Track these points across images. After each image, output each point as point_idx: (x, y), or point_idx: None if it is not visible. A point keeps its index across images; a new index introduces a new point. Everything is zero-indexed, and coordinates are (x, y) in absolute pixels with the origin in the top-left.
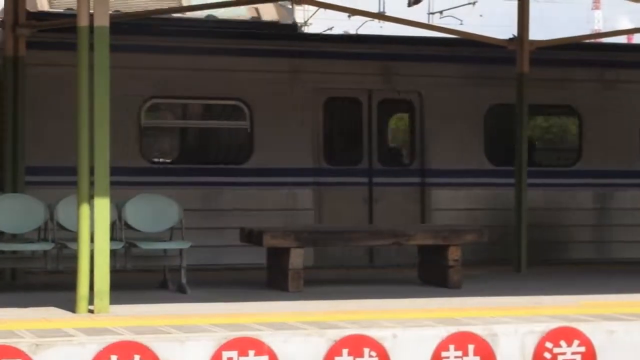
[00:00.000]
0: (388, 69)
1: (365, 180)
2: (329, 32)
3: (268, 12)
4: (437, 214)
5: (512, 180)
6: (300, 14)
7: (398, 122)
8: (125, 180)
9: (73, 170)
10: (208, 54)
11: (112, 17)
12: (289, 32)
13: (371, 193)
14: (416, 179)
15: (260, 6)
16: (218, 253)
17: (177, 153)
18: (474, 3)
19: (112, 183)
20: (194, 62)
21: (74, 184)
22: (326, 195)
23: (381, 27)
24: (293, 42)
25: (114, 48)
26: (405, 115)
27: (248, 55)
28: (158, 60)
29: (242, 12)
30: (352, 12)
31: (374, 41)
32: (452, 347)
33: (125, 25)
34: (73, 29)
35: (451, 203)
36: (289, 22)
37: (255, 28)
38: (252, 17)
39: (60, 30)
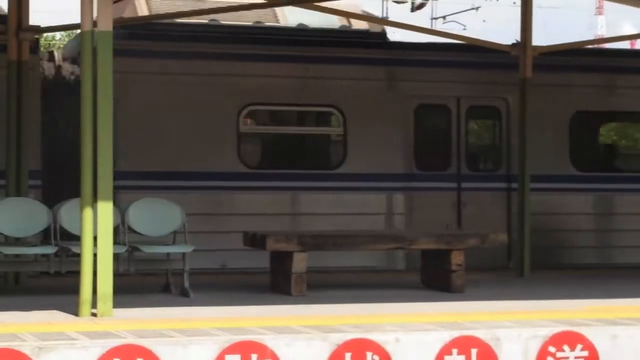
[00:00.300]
0: (475, 76)
1: (454, 185)
2: None
3: (357, 21)
4: None
5: (597, 186)
6: None
7: (485, 129)
8: (225, 185)
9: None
10: (303, 62)
11: (207, 26)
12: (381, 40)
13: (459, 198)
14: (503, 184)
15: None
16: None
17: (274, 158)
18: (477, 8)
19: (212, 188)
20: (288, 70)
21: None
22: (416, 200)
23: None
24: (385, 51)
25: (214, 56)
26: (493, 122)
27: (342, 63)
28: (255, 68)
29: (333, 21)
30: (356, 17)
31: (463, 49)
32: (455, 351)
33: (224, 34)
34: None
35: (537, 208)
36: (378, 30)
37: (348, 37)
38: (342, 26)
39: None
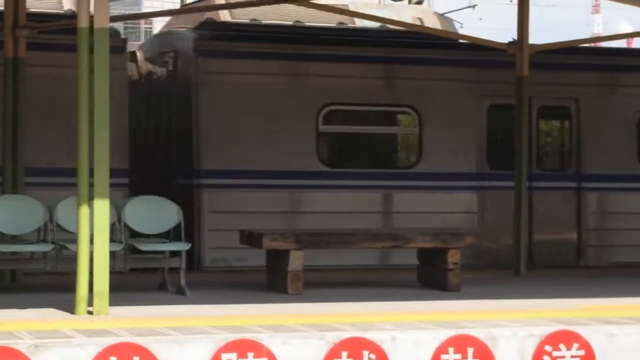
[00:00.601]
0: (547, 77)
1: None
2: None
3: (431, 22)
4: (593, 217)
5: None
6: None
7: (556, 128)
8: (304, 183)
9: None
10: (379, 62)
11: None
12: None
13: (531, 197)
14: (572, 184)
15: (423, 16)
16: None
17: (352, 157)
18: (473, 6)
19: (291, 186)
20: (366, 70)
21: None
22: (488, 198)
23: None
24: (459, 52)
25: (295, 57)
26: (563, 122)
27: (418, 64)
28: (334, 68)
29: (405, 21)
30: (352, 14)
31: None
32: (451, 350)
33: (305, 36)
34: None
35: (606, 207)
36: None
37: (424, 38)
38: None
39: None
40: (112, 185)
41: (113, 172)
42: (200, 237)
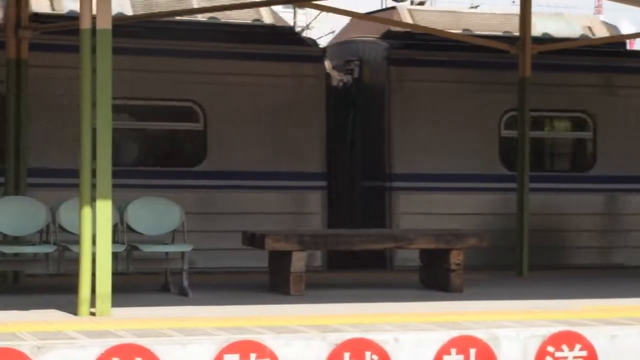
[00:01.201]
0: None
1: None
2: (331, 35)
3: (600, 31)
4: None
5: None
6: (302, 17)
7: None
8: (488, 186)
9: None
10: (552, 70)
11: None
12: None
13: None
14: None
15: (592, 25)
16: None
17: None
18: (476, 7)
19: (476, 189)
20: (542, 77)
21: None
22: None
23: None
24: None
25: (478, 65)
26: None
27: (588, 72)
28: (515, 76)
29: (576, 31)
30: (355, 15)
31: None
32: (453, 350)
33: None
34: None
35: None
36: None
37: (597, 46)
38: (582, 35)
39: None
40: (311, 188)
41: (313, 176)
42: None
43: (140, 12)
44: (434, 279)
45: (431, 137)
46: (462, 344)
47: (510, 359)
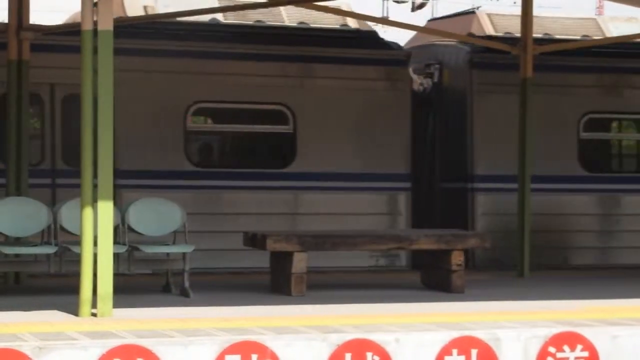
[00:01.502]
0: None
1: None
2: None
3: None
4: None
5: None
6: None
7: None
8: (563, 187)
9: None
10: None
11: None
12: None
13: None
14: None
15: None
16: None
17: (609, 163)
18: (477, 8)
19: (553, 190)
20: (619, 80)
21: None
22: None
23: (385, 32)
24: None
25: (556, 69)
26: None
27: None
28: (594, 79)
29: None
30: (355, 16)
31: None
32: (455, 351)
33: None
34: None
35: None
36: None
37: None
38: None
39: None
40: (396, 189)
41: (398, 177)
42: None
43: (234, 19)
44: (435, 279)
45: (512, 139)
46: (463, 344)
47: (511, 359)
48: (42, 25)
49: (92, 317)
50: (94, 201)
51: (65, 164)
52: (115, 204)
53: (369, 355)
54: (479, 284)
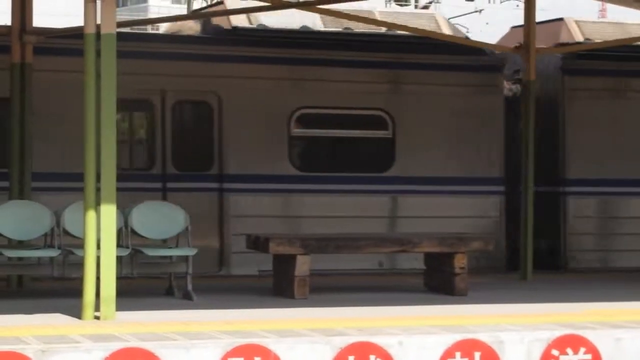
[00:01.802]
0: None
1: None
2: None
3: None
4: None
5: None
6: None
7: None
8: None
9: None
10: None
11: None
12: None
13: None
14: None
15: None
16: None
17: None
18: (480, 11)
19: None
20: None
21: None
22: None
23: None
24: None
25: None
26: None
27: None
28: None
29: None
30: (358, 19)
31: None
32: (458, 354)
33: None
34: None
35: None
36: None
37: None
38: None
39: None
40: (491, 192)
41: (493, 181)
42: (565, 240)
43: (331, 27)
44: (438, 282)
45: (604, 144)
46: (466, 347)
47: None
48: (45, 28)
49: (95, 320)
50: (97, 204)
51: (174, 169)
52: (221, 208)
53: (372, 358)
54: (482, 287)
